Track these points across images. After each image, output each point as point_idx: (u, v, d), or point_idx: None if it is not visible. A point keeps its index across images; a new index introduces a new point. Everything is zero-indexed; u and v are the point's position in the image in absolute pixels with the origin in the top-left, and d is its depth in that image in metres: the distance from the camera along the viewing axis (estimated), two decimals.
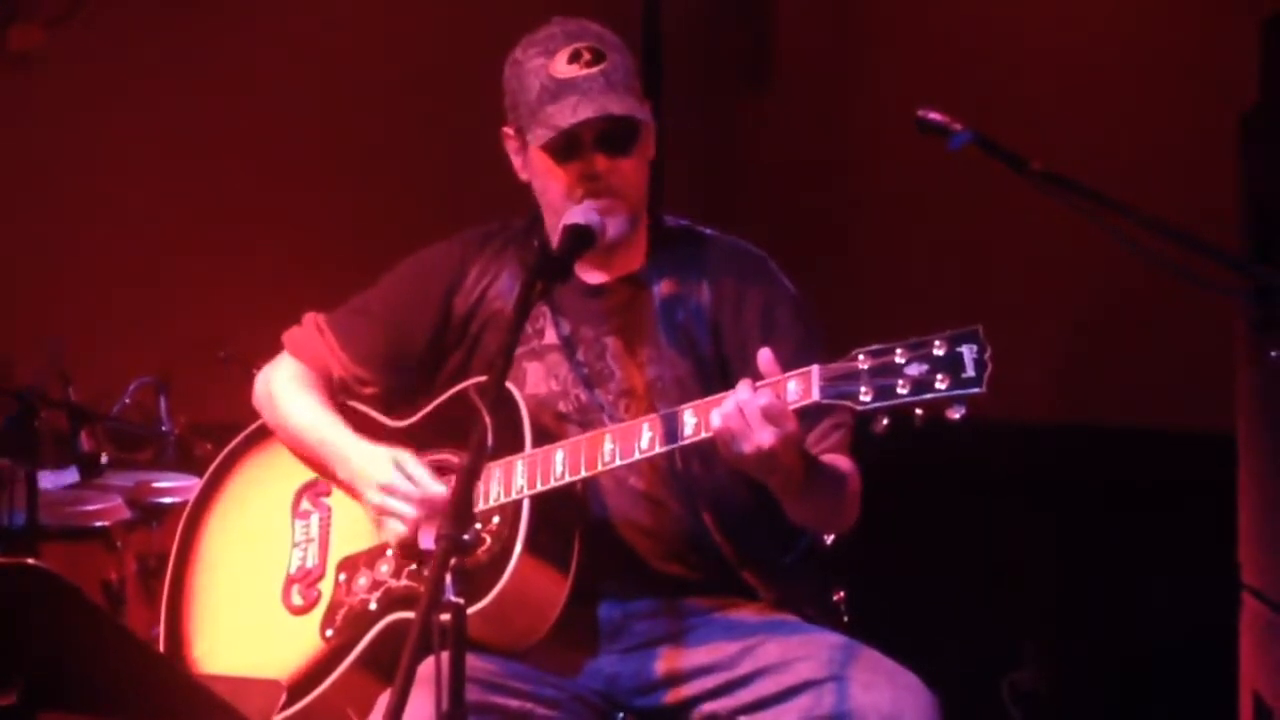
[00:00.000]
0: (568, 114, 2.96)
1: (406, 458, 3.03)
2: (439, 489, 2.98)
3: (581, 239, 2.95)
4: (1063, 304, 5.27)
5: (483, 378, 2.95)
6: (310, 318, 3.29)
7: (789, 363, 2.75)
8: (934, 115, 2.92)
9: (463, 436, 2.58)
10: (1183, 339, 4.75)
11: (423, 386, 3.19)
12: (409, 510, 2.99)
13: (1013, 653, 5.00)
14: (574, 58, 3.00)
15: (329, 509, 3.22)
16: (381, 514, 3.03)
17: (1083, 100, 5.15)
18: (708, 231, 3.21)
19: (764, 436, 2.70)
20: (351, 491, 3.11)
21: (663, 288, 3.11)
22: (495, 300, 3.15)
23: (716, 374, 3.04)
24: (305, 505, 3.24)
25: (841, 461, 3.00)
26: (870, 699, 2.84)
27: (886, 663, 2.92)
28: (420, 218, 5.19)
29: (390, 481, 3.01)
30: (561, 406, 3.08)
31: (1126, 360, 5.05)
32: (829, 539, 3.26)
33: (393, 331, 3.21)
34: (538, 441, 2.95)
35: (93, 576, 4.45)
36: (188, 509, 3.37)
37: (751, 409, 2.69)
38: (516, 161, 3.12)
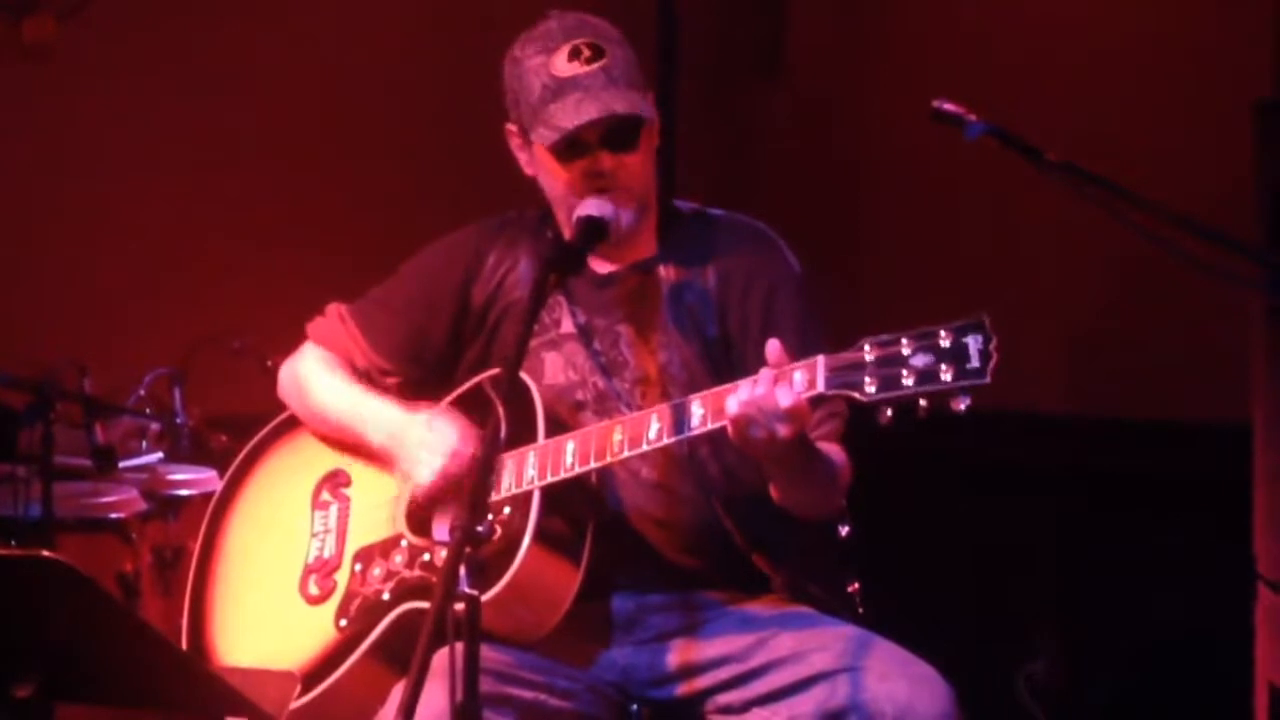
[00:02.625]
0: (571, 114, 2.96)
1: (439, 416, 3.07)
2: (467, 446, 3.00)
3: (595, 231, 2.96)
4: (1076, 295, 5.26)
5: (498, 370, 2.96)
6: (333, 308, 3.32)
7: (790, 345, 2.75)
8: (949, 106, 2.92)
9: (480, 428, 2.59)
10: (1198, 329, 4.74)
11: (443, 377, 3.21)
12: (437, 460, 3.02)
13: (1027, 645, 4.99)
14: (574, 54, 3.00)
15: (348, 500, 3.23)
16: (413, 465, 3.06)
17: (1096, 90, 5.14)
18: (716, 212, 3.22)
19: (779, 428, 2.71)
20: (385, 456, 3.13)
21: (670, 272, 3.12)
22: (513, 290, 3.17)
23: (722, 355, 3.06)
24: (325, 496, 3.26)
25: (835, 451, 3.01)
26: (885, 689, 2.84)
27: (901, 654, 2.93)
28: (434, 208, 5.19)
29: (419, 438, 3.05)
30: (579, 395, 3.10)
31: (1142, 351, 5.04)
32: (844, 530, 3.27)
33: (413, 322, 3.23)
34: (552, 432, 2.96)
35: (108, 568, 4.44)
36: (213, 501, 3.40)
37: (769, 403, 2.69)
38: (521, 157, 3.13)
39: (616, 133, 3.00)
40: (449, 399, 3.17)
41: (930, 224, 5.60)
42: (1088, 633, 4.97)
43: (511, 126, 3.12)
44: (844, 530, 3.29)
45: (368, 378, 3.26)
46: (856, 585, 3.28)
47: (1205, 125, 4.76)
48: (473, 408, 3.08)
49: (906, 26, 5.78)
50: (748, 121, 6.19)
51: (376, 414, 3.17)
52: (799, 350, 2.73)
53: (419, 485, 3.06)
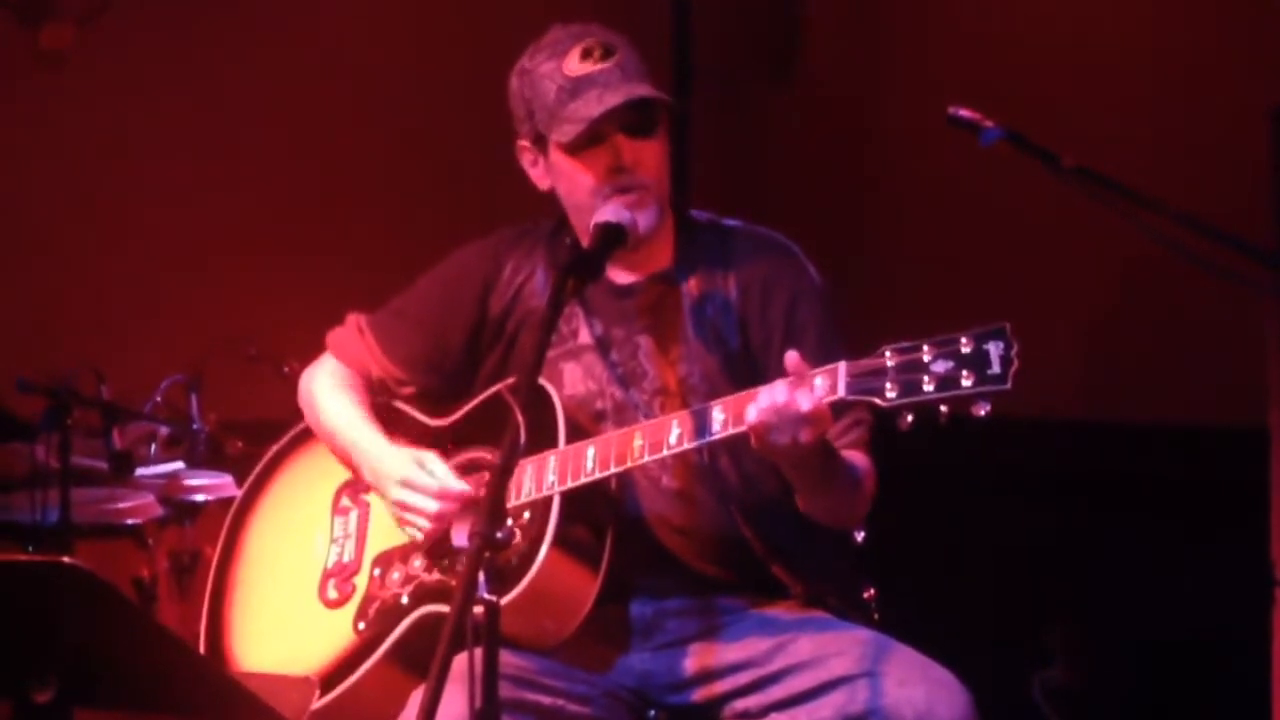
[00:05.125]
0: (593, 105, 2.98)
1: (429, 457, 3.08)
2: (459, 485, 3.02)
3: (613, 237, 2.96)
4: (1092, 300, 5.26)
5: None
6: (352, 318, 3.32)
7: (812, 354, 2.76)
8: (965, 112, 2.93)
9: (499, 435, 2.60)
10: (1214, 334, 4.74)
11: (462, 386, 3.21)
12: (429, 505, 3.03)
13: (1043, 650, 4.99)
14: (585, 55, 3.02)
15: (368, 505, 3.24)
16: (403, 510, 3.07)
17: (1112, 95, 5.14)
18: (733, 223, 3.22)
19: (801, 433, 2.71)
20: (378, 491, 3.16)
21: (691, 285, 3.12)
22: (530, 298, 3.17)
23: (744, 367, 3.05)
24: (345, 502, 3.27)
25: (859, 458, 3.01)
26: (905, 694, 2.84)
27: (920, 659, 2.92)
28: (452, 216, 5.22)
29: (410, 477, 3.05)
30: (599, 405, 3.10)
31: (1157, 356, 5.03)
32: (860, 536, 3.27)
33: (431, 333, 3.23)
34: (573, 439, 2.96)
35: (125, 574, 4.46)
36: (234, 506, 3.42)
37: (790, 408, 2.70)
38: (534, 173, 3.14)
39: (634, 123, 3.01)
40: (468, 407, 3.18)
41: (944, 227, 5.59)
42: (1103, 637, 4.97)
43: (523, 142, 3.12)
44: (859, 536, 3.29)
45: (384, 388, 3.28)
46: (873, 591, 3.28)
47: (1222, 131, 4.75)
48: (491, 415, 3.08)
49: (920, 31, 5.78)
50: (762, 126, 6.20)
51: (367, 448, 3.17)
52: (821, 361, 2.74)
53: (414, 536, 3.08)
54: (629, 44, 3.07)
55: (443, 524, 3.04)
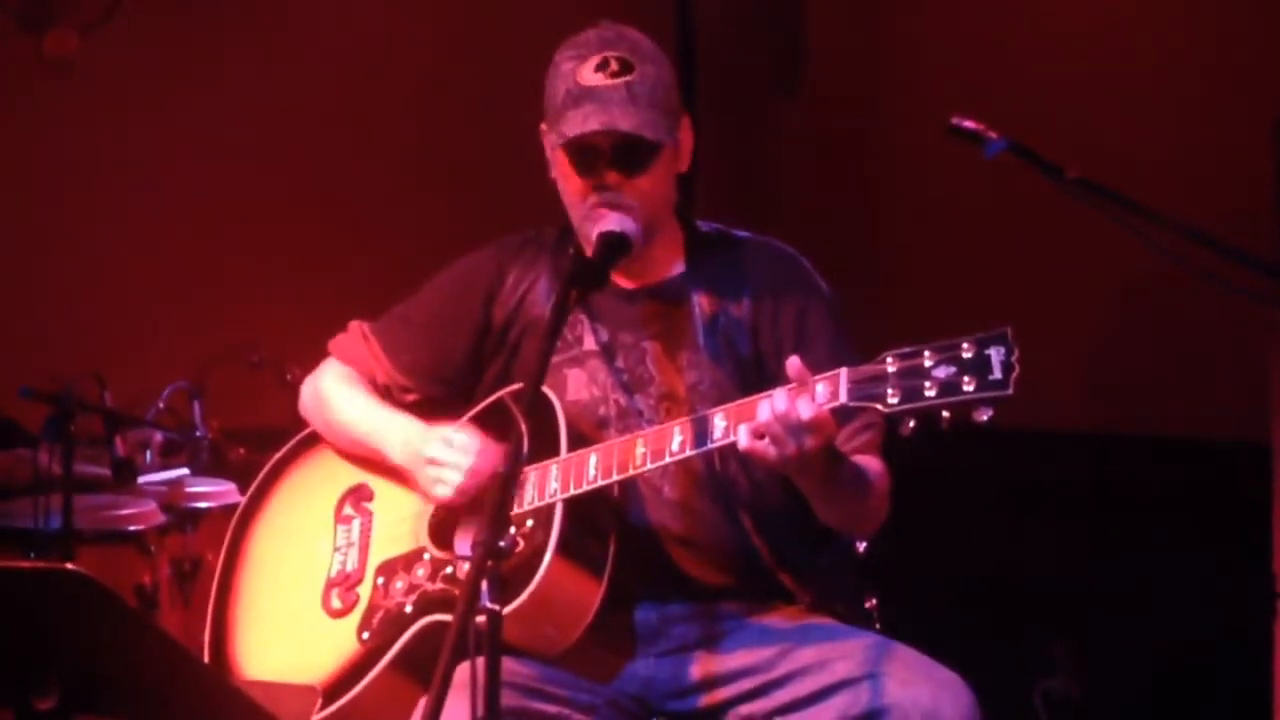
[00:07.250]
0: (578, 123, 2.97)
1: (455, 432, 3.08)
2: (486, 462, 3.02)
3: (617, 247, 2.96)
4: (1094, 311, 5.26)
5: (520, 384, 2.97)
6: (355, 325, 3.33)
7: (823, 362, 2.76)
8: (968, 123, 2.93)
9: (502, 442, 2.60)
10: (1217, 346, 4.74)
11: (464, 394, 3.21)
12: (456, 476, 3.03)
13: (1044, 660, 4.99)
14: (601, 66, 3.00)
15: (371, 514, 3.24)
16: (433, 484, 3.07)
17: (1115, 107, 5.14)
18: (741, 235, 3.22)
19: (805, 441, 2.71)
20: (404, 472, 3.14)
21: (701, 295, 3.11)
22: (533, 307, 3.17)
23: (754, 376, 3.05)
24: (348, 510, 3.27)
25: (871, 462, 3.01)
26: (909, 694, 2.84)
27: (923, 659, 2.92)
28: (455, 223, 5.22)
29: (438, 455, 3.06)
30: (602, 411, 3.09)
31: (1160, 369, 5.03)
32: (861, 546, 3.27)
33: (435, 341, 3.24)
34: (575, 446, 2.96)
35: (126, 581, 4.46)
36: (236, 515, 3.41)
37: (792, 416, 2.70)
38: (549, 155, 3.13)
39: (628, 153, 2.99)
40: (470, 414, 3.18)
41: (947, 240, 5.60)
42: (1105, 648, 4.97)
43: (544, 125, 3.12)
44: (860, 546, 3.30)
45: (388, 394, 3.28)
46: (875, 601, 3.28)
47: (1226, 143, 4.76)
48: (494, 423, 3.09)
49: (925, 45, 5.79)
50: (766, 138, 6.20)
51: (396, 430, 3.18)
52: (832, 370, 2.73)
53: (438, 502, 3.08)
54: (657, 61, 3.02)
55: (466, 498, 3.03)
